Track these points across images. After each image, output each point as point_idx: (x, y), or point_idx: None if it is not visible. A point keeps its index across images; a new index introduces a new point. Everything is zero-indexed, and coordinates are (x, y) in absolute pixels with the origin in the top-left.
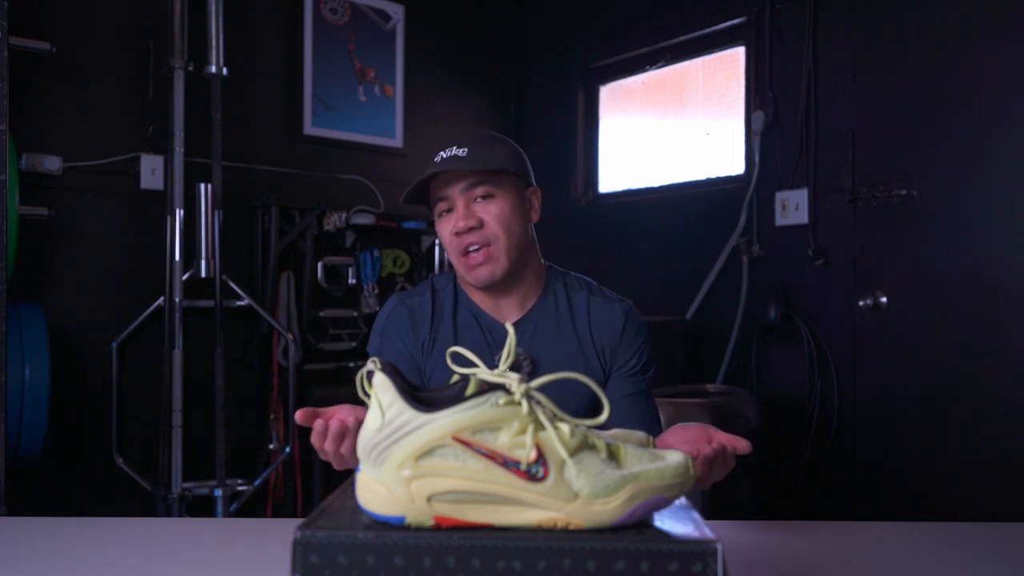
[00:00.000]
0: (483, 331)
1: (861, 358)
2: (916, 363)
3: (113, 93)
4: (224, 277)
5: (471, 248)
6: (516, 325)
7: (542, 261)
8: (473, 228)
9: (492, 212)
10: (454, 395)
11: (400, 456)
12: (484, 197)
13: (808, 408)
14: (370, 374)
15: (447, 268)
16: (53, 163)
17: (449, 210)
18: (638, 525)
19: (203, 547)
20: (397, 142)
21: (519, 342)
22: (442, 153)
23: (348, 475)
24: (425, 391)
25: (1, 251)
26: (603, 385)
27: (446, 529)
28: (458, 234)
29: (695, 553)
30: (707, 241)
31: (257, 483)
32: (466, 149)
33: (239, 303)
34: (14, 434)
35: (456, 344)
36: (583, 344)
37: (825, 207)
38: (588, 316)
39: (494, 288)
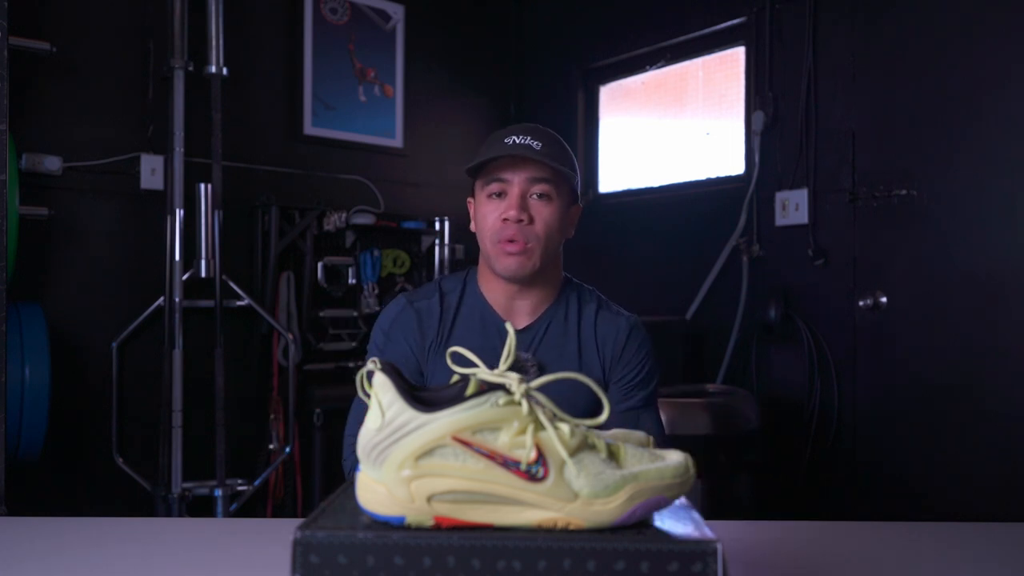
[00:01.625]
0: (488, 331)
1: (861, 358)
2: (916, 363)
3: (113, 93)
4: (224, 277)
5: (512, 240)
6: (526, 330)
7: (562, 273)
8: (522, 221)
9: (543, 214)
10: (454, 395)
11: (400, 456)
12: (541, 195)
13: (808, 408)
14: (370, 374)
15: (448, 269)
16: (53, 163)
17: (500, 194)
18: (638, 525)
19: (203, 547)
20: (397, 142)
21: (527, 347)
22: (514, 137)
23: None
24: (425, 391)
25: (1, 251)
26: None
27: (446, 529)
28: (505, 220)
29: (695, 553)
30: (707, 241)
31: (257, 483)
32: (540, 143)
33: (239, 303)
34: (14, 434)
35: (461, 344)
36: (587, 352)
37: (825, 207)
38: (595, 326)
39: (516, 283)
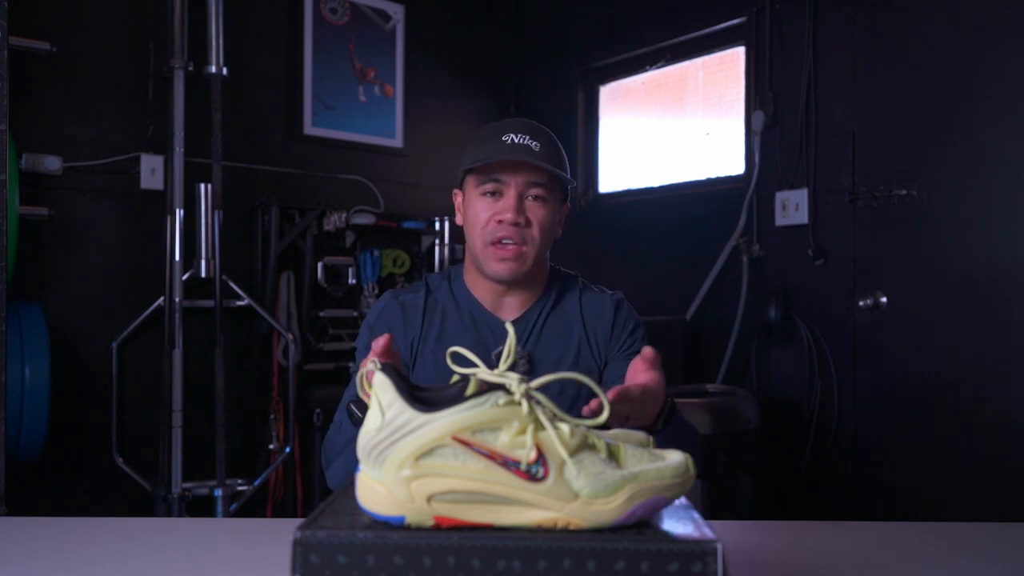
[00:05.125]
0: (479, 327)
1: (861, 358)
2: (916, 363)
3: (113, 93)
4: (224, 277)
5: (506, 240)
6: (517, 322)
7: (548, 267)
8: (518, 224)
9: (539, 215)
10: (454, 395)
11: (400, 456)
12: (537, 197)
13: (808, 408)
14: (370, 374)
15: (447, 267)
16: (53, 163)
17: (495, 193)
18: (638, 525)
19: (203, 547)
20: (397, 142)
21: (519, 339)
22: (512, 136)
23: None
24: (425, 391)
25: (1, 251)
26: (598, 378)
27: (446, 529)
28: (500, 222)
29: (695, 553)
30: (707, 241)
31: (257, 483)
32: (538, 144)
33: (239, 303)
34: (14, 434)
35: (450, 340)
36: (577, 338)
37: (825, 207)
38: (580, 309)
39: (507, 284)
